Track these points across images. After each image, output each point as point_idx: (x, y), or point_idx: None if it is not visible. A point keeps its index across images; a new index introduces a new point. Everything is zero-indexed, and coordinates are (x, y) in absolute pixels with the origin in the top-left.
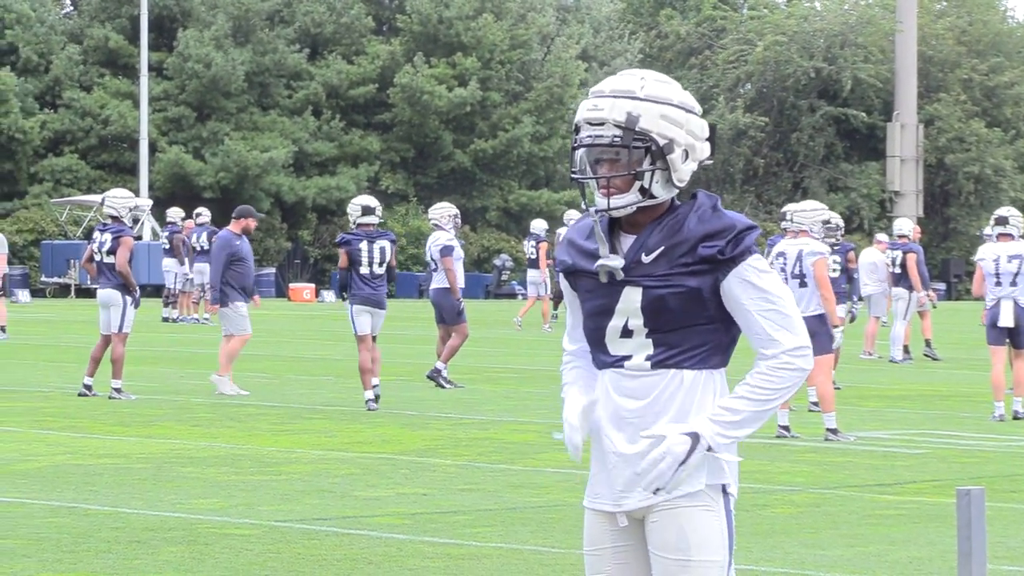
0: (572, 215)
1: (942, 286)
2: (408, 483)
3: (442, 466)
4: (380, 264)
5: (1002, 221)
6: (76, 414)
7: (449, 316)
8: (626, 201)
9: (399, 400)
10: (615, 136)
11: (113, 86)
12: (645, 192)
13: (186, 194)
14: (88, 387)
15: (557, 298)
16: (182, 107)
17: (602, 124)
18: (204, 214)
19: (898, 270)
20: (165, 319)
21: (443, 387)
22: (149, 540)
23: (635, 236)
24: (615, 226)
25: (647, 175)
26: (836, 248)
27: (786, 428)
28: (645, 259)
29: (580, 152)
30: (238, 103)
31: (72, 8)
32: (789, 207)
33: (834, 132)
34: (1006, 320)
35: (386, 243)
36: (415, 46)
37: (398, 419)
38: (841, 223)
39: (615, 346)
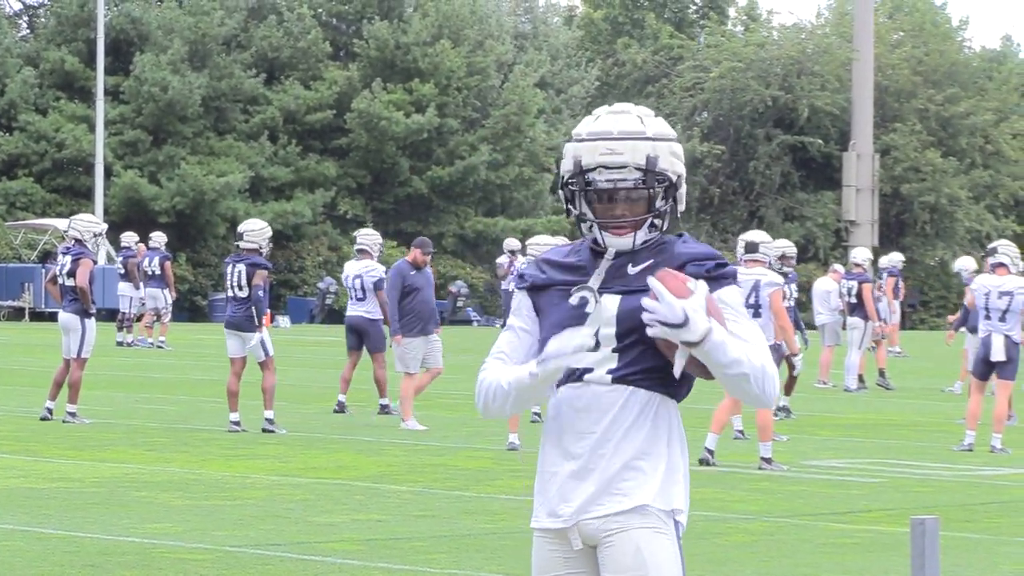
0: (512, 244)
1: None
2: (363, 509)
3: (397, 492)
4: (240, 287)
5: (991, 252)
6: (29, 438)
7: (374, 345)
8: (641, 239)
9: (354, 426)
10: (638, 179)
11: (69, 109)
12: (655, 228)
13: (141, 218)
14: (50, 411)
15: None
16: (138, 131)
17: (623, 167)
18: (156, 239)
19: (854, 300)
20: (120, 343)
21: (396, 414)
22: (103, 564)
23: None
24: (596, 255)
25: (663, 213)
26: (788, 277)
27: (767, 460)
28: (631, 270)
29: (592, 195)
30: (194, 127)
31: (28, 31)
32: (747, 236)
33: (790, 161)
34: (998, 355)
35: (242, 267)
36: (372, 72)
37: (353, 445)
38: (794, 252)
39: (588, 358)
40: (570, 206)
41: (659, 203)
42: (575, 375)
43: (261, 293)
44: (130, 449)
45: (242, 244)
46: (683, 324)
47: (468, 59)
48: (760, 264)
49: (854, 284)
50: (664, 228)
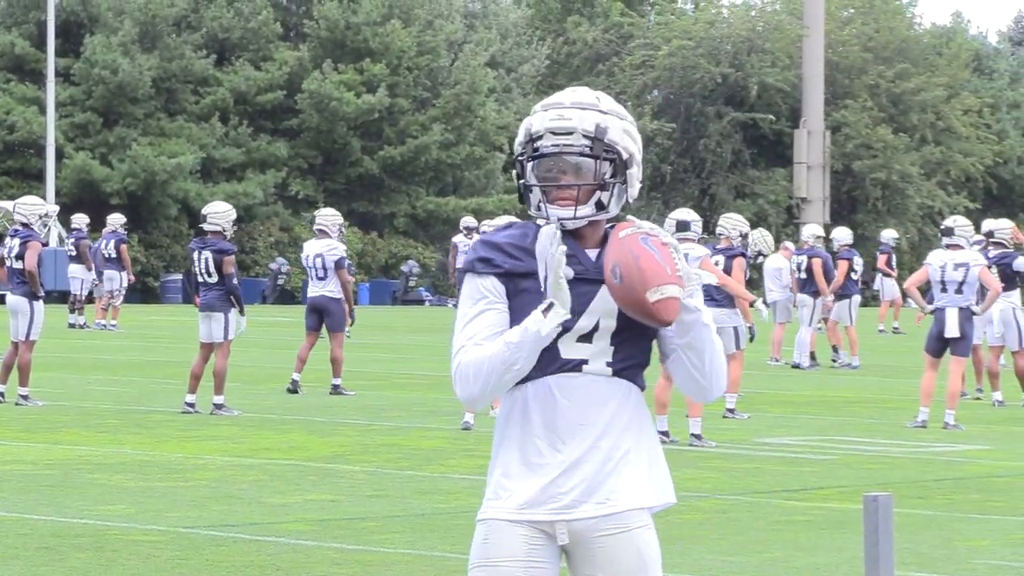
0: (469, 221)
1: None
2: (316, 489)
3: (350, 472)
4: (208, 274)
5: (948, 232)
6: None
7: (335, 324)
8: (585, 213)
9: (306, 407)
10: (585, 146)
11: (19, 92)
12: (601, 206)
13: (93, 200)
14: (1, 394)
15: None
16: (89, 113)
17: (570, 134)
18: (112, 221)
19: (804, 275)
20: (72, 325)
21: (348, 394)
22: (56, 546)
23: (596, 249)
24: (570, 238)
25: (610, 188)
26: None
27: (697, 436)
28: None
29: (538, 163)
30: (145, 109)
31: None
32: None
33: (741, 138)
34: (951, 331)
35: (208, 253)
36: (323, 52)
37: (306, 425)
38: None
39: (569, 349)
40: (520, 182)
41: (608, 179)
42: (568, 365)
43: (235, 281)
44: (83, 431)
45: (206, 226)
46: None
47: (418, 38)
48: (690, 241)
49: (803, 260)
50: (610, 209)
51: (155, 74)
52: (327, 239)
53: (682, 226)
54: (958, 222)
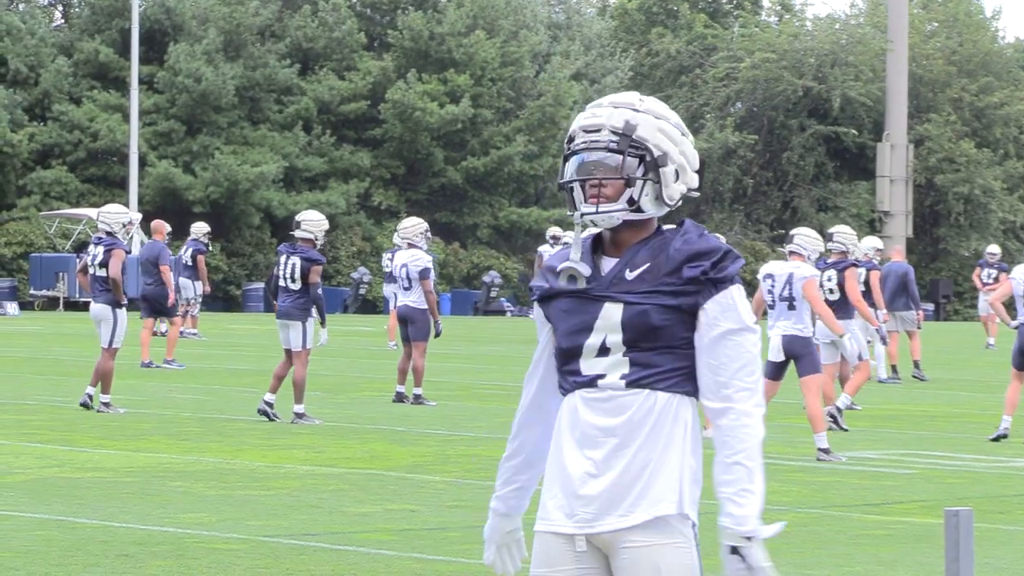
0: (555, 231)
1: (930, 306)
2: (397, 499)
3: (431, 483)
4: (292, 280)
5: None
6: (64, 427)
7: (420, 334)
8: (613, 209)
9: (388, 416)
10: (611, 141)
11: (103, 99)
12: (633, 203)
13: (176, 208)
14: (90, 396)
15: None
16: (172, 121)
17: (599, 130)
18: (193, 229)
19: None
20: (153, 333)
21: (430, 404)
22: (137, 554)
23: (617, 259)
24: (598, 248)
25: (638, 184)
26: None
27: (825, 451)
28: (628, 275)
29: (572, 162)
30: (228, 118)
31: (63, 21)
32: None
33: (824, 151)
34: None
35: (297, 259)
36: (407, 62)
37: (387, 435)
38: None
39: (589, 365)
40: (559, 182)
41: (636, 173)
42: (588, 381)
43: (320, 291)
44: (164, 439)
45: (298, 233)
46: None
47: (502, 49)
48: (798, 257)
49: (863, 273)
50: (644, 208)
51: (238, 83)
52: (413, 249)
53: (788, 239)
54: None
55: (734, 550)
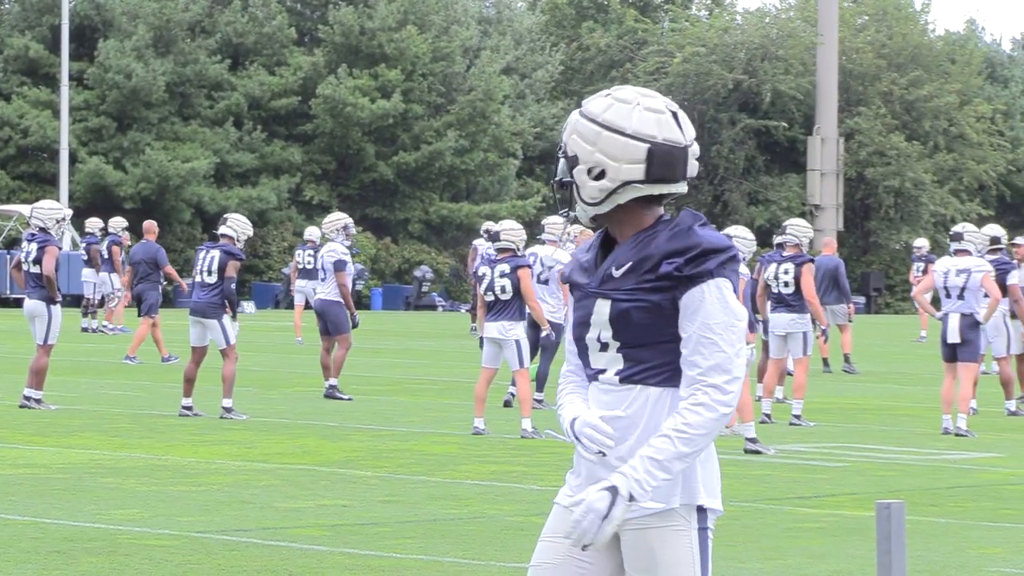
0: (488, 225)
1: (862, 299)
2: (328, 494)
3: (363, 478)
4: (209, 273)
5: (956, 237)
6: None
7: (334, 327)
8: (576, 212)
9: (319, 411)
10: (559, 145)
11: (33, 96)
12: (584, 203)
13: (106, 204)
14: (28, 399)
15: (474, 307)
16: (102, 117)
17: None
18: (111, 224)
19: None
20: (84, 329)
21: (343, 399)
22: (69, 550)
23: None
24: (612, 240)
25: (572, 186)
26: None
27: (752, 440)
28: (615, 272)
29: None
30: (159, 113)
31: None
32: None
33: (754, 145)
34: (952, 336)
35: (216, 252)
36: (337, 57)
37: (318, 430)
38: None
39: (595, 359)
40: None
41: (565, 176)
42: (594, 374)
43: (233, 285)
44: (96, 435)
45: (221, 229)
46: (609, 510)
47: (433, 44)
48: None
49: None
50: (572, 206)
51: (169, 79)
52: (330, 243)
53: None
54: (967, 228)
55: (613, 491)
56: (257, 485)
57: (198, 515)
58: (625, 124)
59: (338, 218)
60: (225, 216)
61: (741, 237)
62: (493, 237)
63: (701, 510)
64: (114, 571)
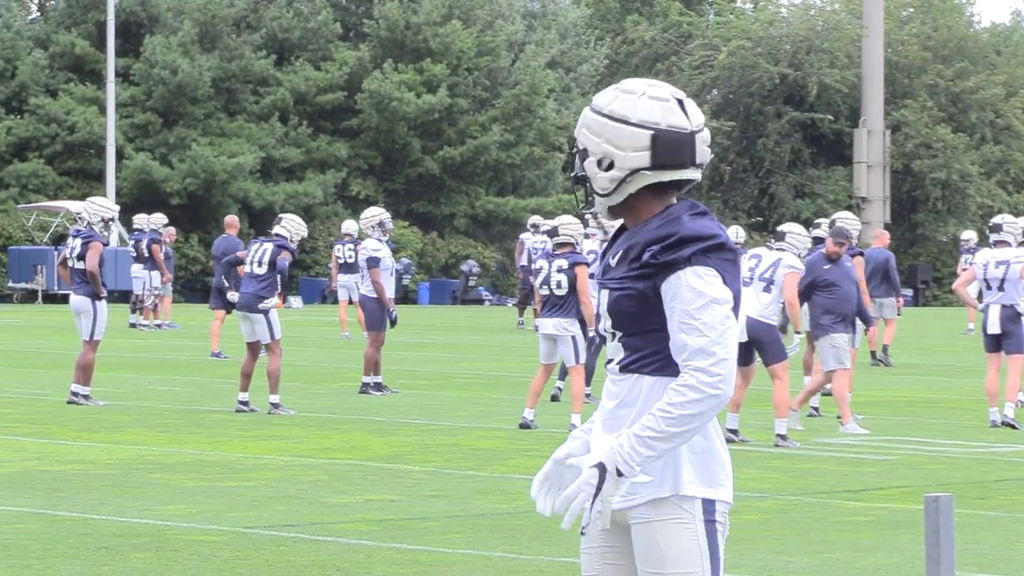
0: (536, 219)
1: (909, 292)
2: (376, 489)
3: (410, 472)
4: (259, 264)
5: (995, 228)
6: (43, 420)
7: (372, 323)
8: (593, 206)
9: (367, 406)
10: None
11: (79, 92)
12: (594, 195)
13: (153, 200)
14: (76, 395)
15: (522, 301)
16: (148, 113)
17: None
18: (149, 221)
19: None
20: (132, 325)
21: (374, 395)
22: (117, 546)
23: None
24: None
25: (582, 180)
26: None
27: (782, 436)
28: (612, 262)
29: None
30: (205, 109)
31: (38, 14)
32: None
33: (800, 138)
34: (992, 327)
35: (270, 246)
36: (383, 52)
37: (366, 425)
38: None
39: (611, 348)
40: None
41: (579, 170)
42: (607, 363)
43: (286, 264)
44: (143, 431)
45: (276, 229)
46: (599, 485)
47: (479, 39)
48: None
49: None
50: (590, 200)
51: (215, 74)
52: (368, 239)
53: (779, 236)
54: (1006, 219)
55: (601, 468)
56: (305, 480)
57: (246, 510)
58: (630, 113)
59: (373, 214)
60: (280, 216)
61: (795, 233)
62: (551, 232)
63: (708, 502)
64: (162, 567)
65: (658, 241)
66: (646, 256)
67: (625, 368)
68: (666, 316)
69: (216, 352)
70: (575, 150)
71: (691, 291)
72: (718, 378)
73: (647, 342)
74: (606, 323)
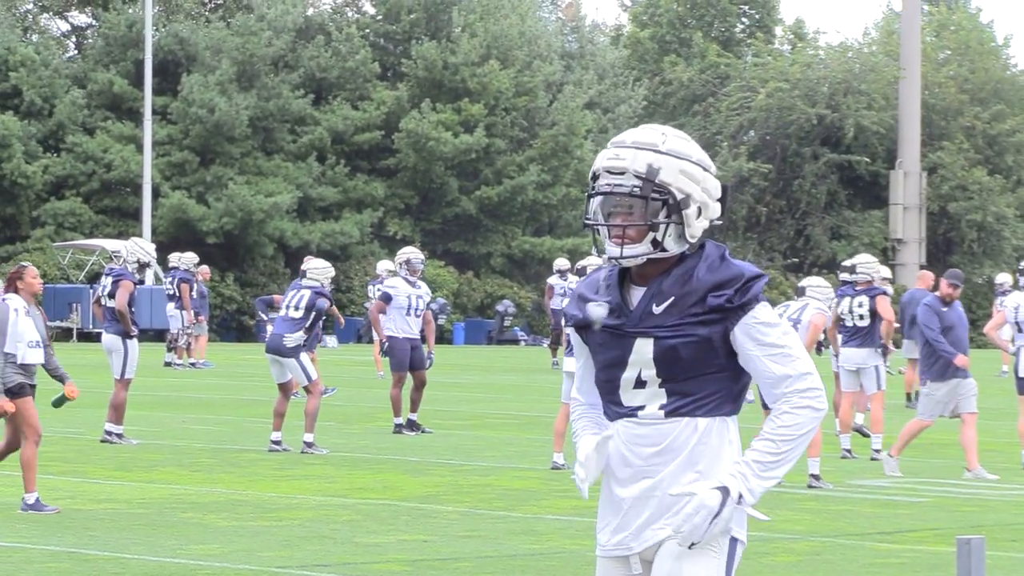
0: (561, 264)
1: None
2: (409, 529)
3: (443, 512)
4: (296, 308)
5: None
6: (76, 459)
7: (392, 363)
8: (637, 252)
9: (401, 446)
10: (635, 186)
11: (116, 130)
12: (657, 244)
13: (189, 239)
14: (109, 433)
15: (554, 342)
16: (185, 152)
17: (623, 174)
18: (179, 260)
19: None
20: (168, 364)
21: (412, 433)
22: None
23: (645, 288)
24: (625, 278)
25: (661, 228)
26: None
27: (816, 477)
28: (656, 310)
29: (596, 200)
30: (242, 148)
31: (76, 52)
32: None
33: (837, 179)
34: (1023, 370)
35: (307, 292)
36: (420, 92)
37: (399, 465)
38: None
39: (628, 396)
40: (584, 219)
41: (659, 217)
42: (629, 412)
43: (325, 306)
44: (177, 470)
45: (304, 282)
46: (721, 508)
47: (516, 79)
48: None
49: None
50: (668, 247)
51: (252, 113)
52: (395, 277)
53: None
54: None
55: (724, 492)
56: (338, 520)
57: (279, 550)
58: (708, 163)
59: (401, 253)
60: (303, 269)
61: (815, 287)
62: (580, 272)
63: (734, 540)
64: None
65: (724, 285)
66: (716, 301)
67: (673, 413)
68: (742, 357)
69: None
70: (665, 196)
71: (767, 325)
72: (819, 391)
73: (701, 385)
74: (637, 371)
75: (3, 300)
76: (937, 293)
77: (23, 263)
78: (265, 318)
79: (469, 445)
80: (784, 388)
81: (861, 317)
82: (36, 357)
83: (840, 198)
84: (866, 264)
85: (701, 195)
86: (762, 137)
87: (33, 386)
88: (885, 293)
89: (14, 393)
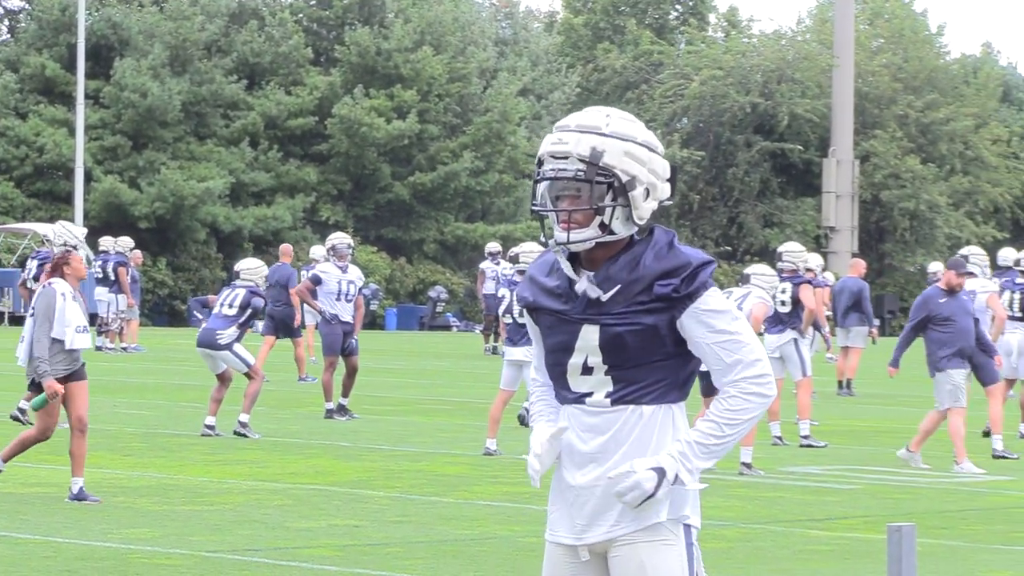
0: (493, 247)
1: (876, 322)
2: (340, 514)
3: (375, 498)
4: (230, 306)
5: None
6: (5, 442)
7: (325, 347)
8: (585, 236)
9: (333, 431)
10: (579, 170)
11: (49, 114)
12: (605, 228)
13: (121, 223)
14: (23, 411)
15: (487, 328)
16: (118, 136)
17: (566, 158)
18: (114, 243)
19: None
20: (98, 348)
21: (343, 418)
22: (80, 569)
23: (593, 273)
24: (575, 261)
25: (608, 211)
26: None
27: (747, 465)
28: (603, 297)
29: (542, 185)
30: (174, 133)
31: (9, 36)
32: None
33: (770, 167)
34: None
35: (243, 291)
36: (354, 77)
37: (331, 450)
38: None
39: (576, 382)
40: (532, 204)
41: (605, 200)
42: (577, 398)
43: (260, 304)
44: (108, 454)
45: (238, 282)
46: (655, 490)
47: (450, 65)
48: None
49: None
50: (616, 231)
51: (185, 98)
52: (325, 263)
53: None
54: (972, 251)
55: (660, 473)
56: (269, 505)
57: (209, 535)
58: (654, 143)
59: (329, 239)
60: (237, 270)
61: (760, 275)
62: (513, 259)
63: (687, 527)
64: None
65: (671, 274)
66: (663, 290)
67: (619, 400)
68: (691, 343)
69: (303, 377)
70: (610, 179)
71: (716, 312)
72: (768, 377)
73: (647, 373)
74: (584, 357)
75: (49, 284)
76: (939, 284)
77: (68, 247)
78: (201, 317)
79: (401, 431)
80: (734, 376)
81: (783, 304)
82: (84, 342)
83: (773, 186)
84: (791, 252)
85: (648, 176)
86: (695, 125)
87: (81, 369)
88: (809, 282)
89: (63, 379)
